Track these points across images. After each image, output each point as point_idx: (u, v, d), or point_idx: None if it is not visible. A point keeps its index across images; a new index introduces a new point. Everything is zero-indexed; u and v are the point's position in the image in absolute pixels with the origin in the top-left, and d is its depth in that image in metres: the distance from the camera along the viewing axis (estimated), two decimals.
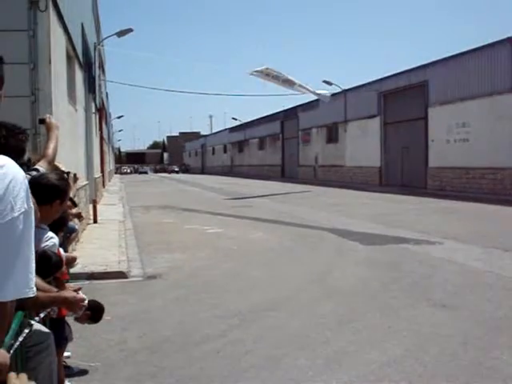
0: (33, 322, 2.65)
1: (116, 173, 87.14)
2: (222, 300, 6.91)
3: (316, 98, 34.20)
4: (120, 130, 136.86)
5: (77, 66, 13.66)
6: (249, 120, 66.96)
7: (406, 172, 31.70)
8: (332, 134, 41.71)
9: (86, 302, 3.01)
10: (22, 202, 1.51)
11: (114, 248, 10.59)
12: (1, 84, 1.82)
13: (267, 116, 58.91)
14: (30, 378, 1.59)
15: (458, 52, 27.20)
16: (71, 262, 4.79)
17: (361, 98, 36.35)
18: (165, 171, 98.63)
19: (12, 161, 1.56)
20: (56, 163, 4.08)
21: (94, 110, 21.15)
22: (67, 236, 6.31)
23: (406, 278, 8.02)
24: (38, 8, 7.85)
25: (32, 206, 1.56)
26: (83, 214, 8.63)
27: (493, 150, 24.08)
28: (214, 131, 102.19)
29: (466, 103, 26.12)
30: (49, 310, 3.16)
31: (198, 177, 64.90)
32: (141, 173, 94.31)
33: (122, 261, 9.24)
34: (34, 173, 3.33)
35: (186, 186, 41.55)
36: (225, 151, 79.63)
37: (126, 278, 8.35)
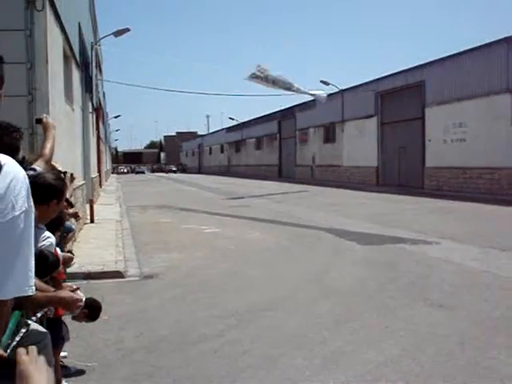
0: (30, 321, 2.64)
1: (113, 172, 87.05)
2: (219, 299, 6.90)
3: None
4: (117, 130, 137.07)
5: (74, 66, 13.64)
6: (246, 120, 67.02)
7: (403, 172, 31.75)
8: (329, 134, 41.74)
9: (84, 301, 3.01)
10: (23, 201, 1.51)
11: (111, 248, 10.58)
12: (1, 83, 1.82)
13: (264, 116, 58.89)
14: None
15: (454, 52, 27.28)
16: (68, 261, 4.79)
17: (358, 97, 36.39)
18: (162, 171, 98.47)
19: (13, 160, 1.56)
20: (53, 163, 4.07)
21: (90, 110, 21.13)
22: (64, 236, 6.30)
23: (403, 277, 8.03)
24: (35, 7, 7.84)
25: (32, 205, 1.56)
26: (80, 214, 8.62)
27: (490, 150, 24.13)
28: (211, 131, 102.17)
29: (462, 103, 26.17)
30: (46, 309, 3.16)
31: (194, 176, 64.88)
32: (138, 172, 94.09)
33: (118, 260, 9.23)
34: (31, 172, 3.32)
35: (183, 185, 41.52)
36: (222, 151, 79.59)
37: (123, 277, 8.34)
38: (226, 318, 6.02)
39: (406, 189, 28.69)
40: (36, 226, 2.91)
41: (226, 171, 72.72)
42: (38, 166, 3.49)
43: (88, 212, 15.22)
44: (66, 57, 11.70)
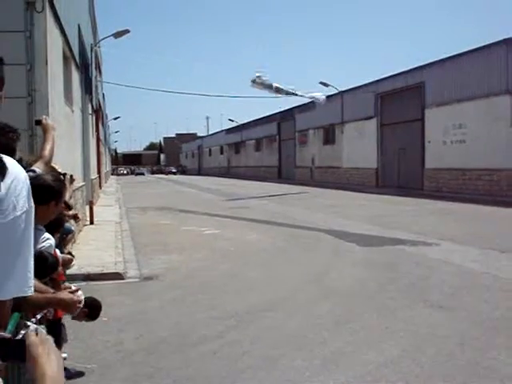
0: (29, 323, 2.64)
1: (113, 174, 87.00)
2: (219, 301, 6.90)
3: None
4: (117, 131, 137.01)
5: (73, 67, 13.64)
6: (245, 121, 67.04)
7: (402, 173, 31.75)
8: (329, 136, 41.74)
9: (83, 301, 3.00)
10: (24, 201, 1.50)
11: (111, 249, 10.57)
12: (1, 85, 1.82)
13: (264, 117, 58.90)
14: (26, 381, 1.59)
15: (454, 53, 27.29)
16: (68, 263, 4.78)
17: (357, 99, 36.40)
18: (162, 172, 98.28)
19: (13, 160, 1.56)
20: (52, 164, 4.07)
21: (90, 111, 21.12)
22: (64, 237, 6.30)
23: (403, 279, 8.03)
24: (35, 9, 7.84)
25: (33, 205, 1.56)
26: (80, 216, 8.62)
27: (489, 152, 24.13)
28: (210, 132, 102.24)
29: (462, 104, 26.18)
30: (45, 311, 3.15)
31: (194, 178, 64.87)
32: (137, 174, 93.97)
33: (118, 262, 9.23)
34: (31, 174, 3.31)
35: (182, 187, 41.52)
36: (221, 152, 79.61)
37: (123, 279, 8.34)
38: (226, 320, 6.02)
39: (405, 190, 28.69)
40: (35, 227, 2.91)
41: (226, 173, 72.72)
42: (38, 168, 3.49)
43: (88, 213, 15.21)
44: (65, 58, 11.71)
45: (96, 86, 23.49)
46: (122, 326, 5.89)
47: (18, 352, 1.35)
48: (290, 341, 5.29)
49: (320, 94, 31.93)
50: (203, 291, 7.47)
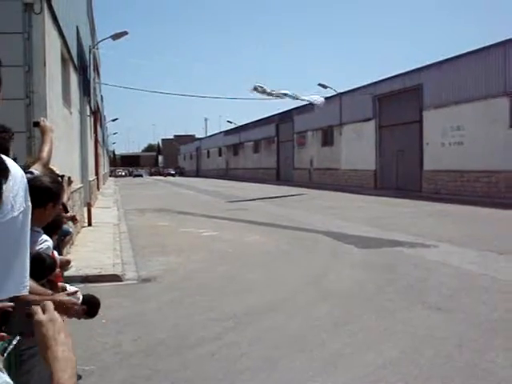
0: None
1: (111, 176, 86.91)
2: (217, 303, 6.89)
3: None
4: (115, 133, 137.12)
5: (71, 69, 13.64)
6: (244, 123, 67.03)
7: (400, 175, 31.77)
8: (327, 137, 41.76)
9: (80, 299, 3.00)
10: (21, 201, 1.50)
11: (109, 251, 10.56)
12: None
13: (262, 119, 58.90)
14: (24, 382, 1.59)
15: (452, 55, 27.35)
16: (65, 265, 4.76)
17: (356, 101, 36.42)
18: (160, 174, 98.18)
19: (10, 159, 1.55)
20: (50, 166, 4.06)
21: (88, 113, 21.12)
22: (61, 239, 6.29)
23: (402, 280, 8.03)
24: (33, 11, 7.84)
25: (30, 204, 1.56)
26: (78, 217, 8.61)
27: (487, 153, 24.16)
28: (208, 134, 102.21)
29: (460, 106, 26.21)
30: None
31: (192, 180, 64.86)
32: (136, 176, 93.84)
33: (116, 264, 9.22)
34: (29, 175, 3.31)
35: (180, 189, 41.50)
36: (220, 154, 79.59)
37: (121, 281, 8.33)
38: (224, 321, 6.01)
39: (403, 192, 28.70)
40: (33, 229, 2.91)
41: (224, 174, 72.71)
42: (36, 170, 3.48)
43: (86, 215, 15.20)
44: (63, 60, 11.71)
45: (94, 88, 23.51)
46: (120, 327, 5.88)
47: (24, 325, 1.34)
48: (288, 342, 5.29)
49: (319, 97, 32.01)
50: (201, 293, 7.46)
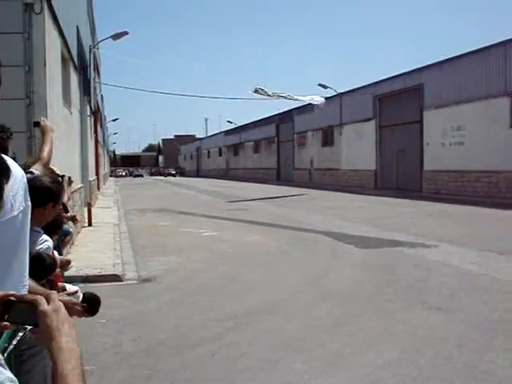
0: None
1: (111, 176, 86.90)
2: (217, 303, 6.89)
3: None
4: (115, 133, 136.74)
5: (72, 69, 13.64)
6: (244, 123, 67.02)
7: (401, 175, 31.76)
8: (327, 138, 41.75)
9: (81, 297, 2.99)
10: (21, 200, 1.51)
11: (109, 251, 10.56)
12: None
13: (262, 119, 58.89)
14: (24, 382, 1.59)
15: (453, 55, 27.34)
16: (65, 265, 4.76)
17: (356, 101, 36.41)
18: (160, 174, 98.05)
19: (10, 159, 1.56)
20: (50, 166, 4.06)
21: (89, 113, 21.13)
22: (62, 239, 6.29)
23: (402, 281, 8.03)
24: (33, 11, 7.84)
25: (30, 204, 1.56)
26: (78, 217, 8.61)
27: (488, 154, 24.15)
28: (209, 134, 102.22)
29: (461, 106, 26.20)
30: None
31: (193, 180, 64.86)
32: (136, 176, 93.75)
33: (116, 264, 9.22)
34: (29, 175, 3.31)
35: (181, 189, 41.50)
36: (220, 154, 79.58)
37: (121, 281, 8.33)
38: (224, 321, 6.01)
39: (404, 192, 28.70)
40: (33, 229, 2.91)
41: (225, 174, 72.70)
42: (36, 170, 3.49)
43: (86, 215, 15.20)
44: (64, 60, 11.71)
45: (94, 88, 23.51)
46: (120, 327, 5.88)
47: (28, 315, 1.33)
48: (288, 343, 5.29)
49: (319, 98, 32.00)
50: (201, 293, 7.46)
